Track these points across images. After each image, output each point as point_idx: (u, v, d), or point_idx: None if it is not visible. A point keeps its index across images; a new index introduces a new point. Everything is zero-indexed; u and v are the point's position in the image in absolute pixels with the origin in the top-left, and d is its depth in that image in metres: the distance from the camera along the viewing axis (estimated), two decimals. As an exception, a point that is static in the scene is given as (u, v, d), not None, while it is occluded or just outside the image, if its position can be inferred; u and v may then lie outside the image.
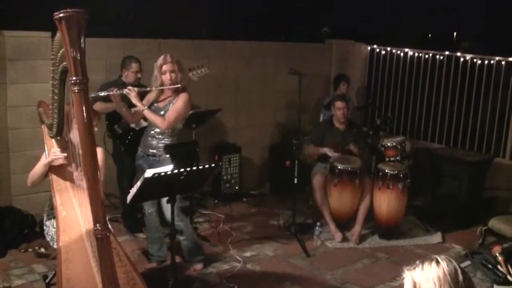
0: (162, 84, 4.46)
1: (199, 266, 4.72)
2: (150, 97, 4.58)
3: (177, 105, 4.44)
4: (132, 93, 4.35)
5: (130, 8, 6.47)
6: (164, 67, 4.41)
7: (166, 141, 4.51)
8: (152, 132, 4.54)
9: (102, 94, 4.43)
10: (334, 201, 5.49)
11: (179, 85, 4.45)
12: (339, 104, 5.70)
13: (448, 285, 1.94)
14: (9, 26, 5.32)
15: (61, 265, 3.00)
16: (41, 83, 5.30)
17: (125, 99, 4.51)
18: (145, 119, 4.65)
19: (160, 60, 4.44)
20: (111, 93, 4.34)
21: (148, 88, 4.57)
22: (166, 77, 4.42)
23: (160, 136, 4.51)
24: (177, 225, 4.52)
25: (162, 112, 4.45)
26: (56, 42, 2.72)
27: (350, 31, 8.43)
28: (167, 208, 4.38)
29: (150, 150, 4.53)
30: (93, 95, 4.51)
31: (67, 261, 3.03)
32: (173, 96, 4.49)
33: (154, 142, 4.52)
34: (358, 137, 5.83)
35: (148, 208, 4.61)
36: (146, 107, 4.41)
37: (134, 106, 4.48)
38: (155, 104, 4.52)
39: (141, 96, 4.51)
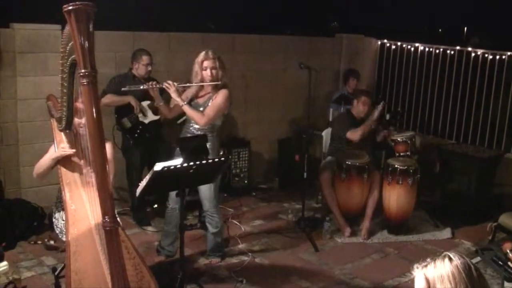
0: (202, 80, 4.41)
1: (216, 260, 4.74)
2: (189, 92, 4.53)
3: (216, 100, 4.39)
4: (171, 87, 4.29)
5: (140, 1, 6.47)
6: (206, 63, 4.36)
7: None
8: (191, 128, 4.48)
9: (142, 87, 4.46)
10: (342, 196, 5.47)
11: (219, 82, 4.41)
12: (366, 100, 5.72)
13: (464, 282, 1.89)
14: (19, 19, 5.33)
15: (70, 258, 3.01)
16: (50, 76, 5.31)
17: (149, 94, 4.51)
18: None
19: (202, 55, 4.39)
20: (150, 87, 4.34)
21: (188, 84, 4.51)
22: (207, 73, 4.37)
23: (200, 133, 4.41)
24: (213, 218, 4.56)
25: (201, 109, 4.40)
26: (66, 35, 2.72)
27: (360, 25, 8.39)
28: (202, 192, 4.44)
29: None
30: (132, 89, 4.52)
31: (76, 254, 3.05)
32: (213, 93, 4.44)
33: None
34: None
35: (173, 204, 4.57)
36: (185, 103, 4.36)
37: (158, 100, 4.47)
38: (195, 100, 4.49)
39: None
